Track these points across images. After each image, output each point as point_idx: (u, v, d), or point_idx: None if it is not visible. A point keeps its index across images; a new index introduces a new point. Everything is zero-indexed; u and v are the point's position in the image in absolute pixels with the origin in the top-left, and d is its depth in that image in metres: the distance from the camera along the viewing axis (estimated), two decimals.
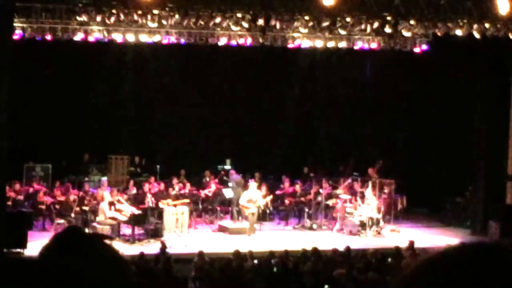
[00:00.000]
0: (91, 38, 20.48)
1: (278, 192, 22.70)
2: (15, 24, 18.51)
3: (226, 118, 25.62)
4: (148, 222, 19.63)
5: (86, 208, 19.80)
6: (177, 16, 18.68)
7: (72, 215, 19.54)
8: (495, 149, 21.58)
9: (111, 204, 19.47)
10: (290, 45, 21.97)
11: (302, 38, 21.64)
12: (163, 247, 16.57)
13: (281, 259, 15.43)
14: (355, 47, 22.29)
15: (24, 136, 21.69)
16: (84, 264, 1.55)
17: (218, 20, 18.83)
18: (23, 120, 21.50)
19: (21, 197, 20.29)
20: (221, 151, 25.00)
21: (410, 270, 1.38)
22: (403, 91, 25.06)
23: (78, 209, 19.74)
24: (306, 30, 20.27)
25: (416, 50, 22.44)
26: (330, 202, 21.80)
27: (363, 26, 19.91)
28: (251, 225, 20.21)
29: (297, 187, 22.59)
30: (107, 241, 1.91)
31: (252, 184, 20.92)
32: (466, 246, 1.37)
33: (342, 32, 20.33)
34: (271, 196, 21.73)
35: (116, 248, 1.95)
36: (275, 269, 15.11)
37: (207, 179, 23.11)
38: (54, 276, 1.42)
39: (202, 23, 19.26)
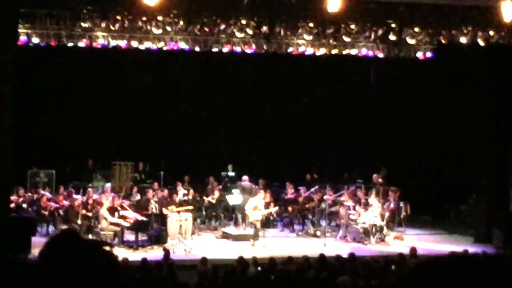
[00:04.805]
0: (95, 44, 20.50)
1: (285, 197, 22.67)
2: (19, 30, 18.56)
3: (230, 125, 25.62)
4: (152, 228, 19.64)
5: (90, 214, 19.80)
6: (181, 22, 18.70)
7: (79, 221, 19.50)
8: (499, 156, 21.54)
9: (115, 210, 19.48)
10: (294, 52, 21.97)
11: (306, 45, 21.63)
12: (167, 253, 16.54)
13: (285, 266, 15.40)
14: (359, 54, 22.28)
15: (28, 142, 21.71)
16: (79, 269, 1.54)
17: (222, 26, 18.83)
18: (27, 126, 21.52)
19: (25, 203, 20.31)
20: (225, 158, 24.99)
21: (400, 276, 1.38)
22: (407, 99, 25.02)
23: (82, 214, 19.72)
24: (310, 37, 20.26)
25: (420, 57, 22.40)
26: (333, 209, 21.78)
27: (367, 33, 19.91)
28: (255, 232, 20.18)
29: (301, 194, 22.54)
30: (106, 248, 1.90)
31: (260, 192, 20.91)
32: (453, 256, 1.38)
33: (347, 39, 20.32)
34: (276, 208, 21.68)
35: (115, 255, 1.93)
36: (278, 276, 15.07)
37: (211, 185, 23.09)
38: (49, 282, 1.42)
39: (207, 29, 19.27)
